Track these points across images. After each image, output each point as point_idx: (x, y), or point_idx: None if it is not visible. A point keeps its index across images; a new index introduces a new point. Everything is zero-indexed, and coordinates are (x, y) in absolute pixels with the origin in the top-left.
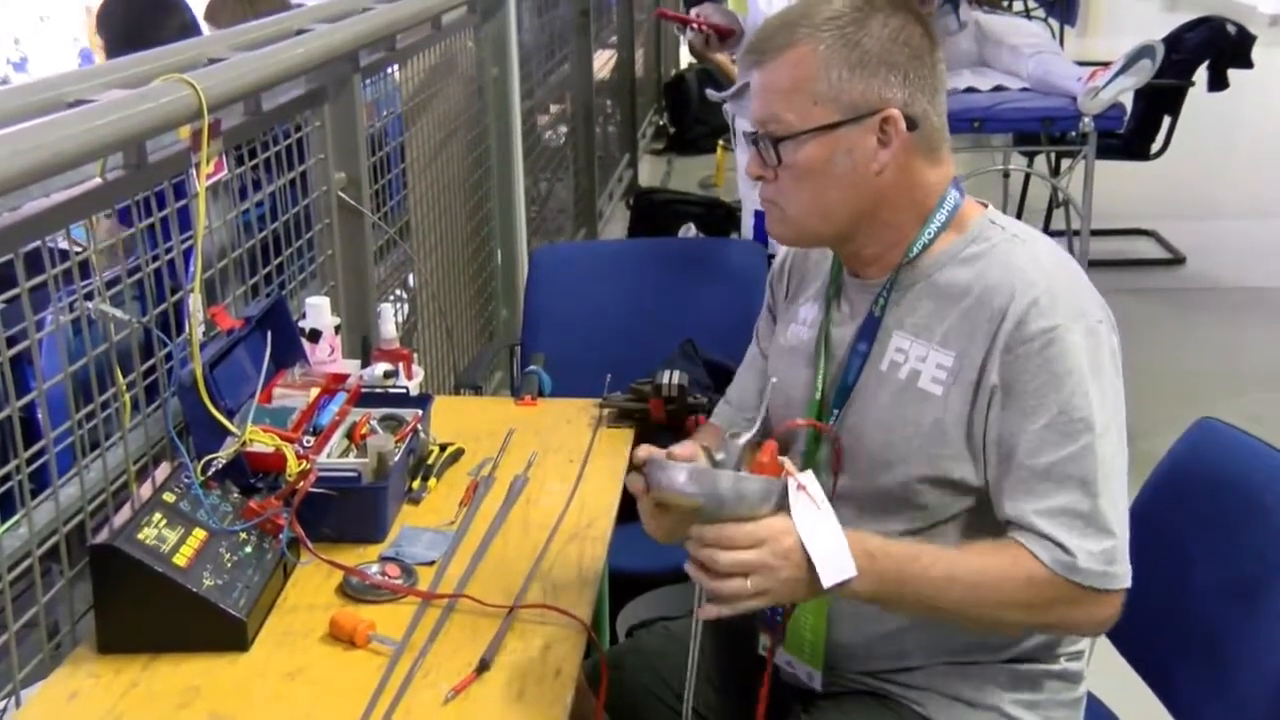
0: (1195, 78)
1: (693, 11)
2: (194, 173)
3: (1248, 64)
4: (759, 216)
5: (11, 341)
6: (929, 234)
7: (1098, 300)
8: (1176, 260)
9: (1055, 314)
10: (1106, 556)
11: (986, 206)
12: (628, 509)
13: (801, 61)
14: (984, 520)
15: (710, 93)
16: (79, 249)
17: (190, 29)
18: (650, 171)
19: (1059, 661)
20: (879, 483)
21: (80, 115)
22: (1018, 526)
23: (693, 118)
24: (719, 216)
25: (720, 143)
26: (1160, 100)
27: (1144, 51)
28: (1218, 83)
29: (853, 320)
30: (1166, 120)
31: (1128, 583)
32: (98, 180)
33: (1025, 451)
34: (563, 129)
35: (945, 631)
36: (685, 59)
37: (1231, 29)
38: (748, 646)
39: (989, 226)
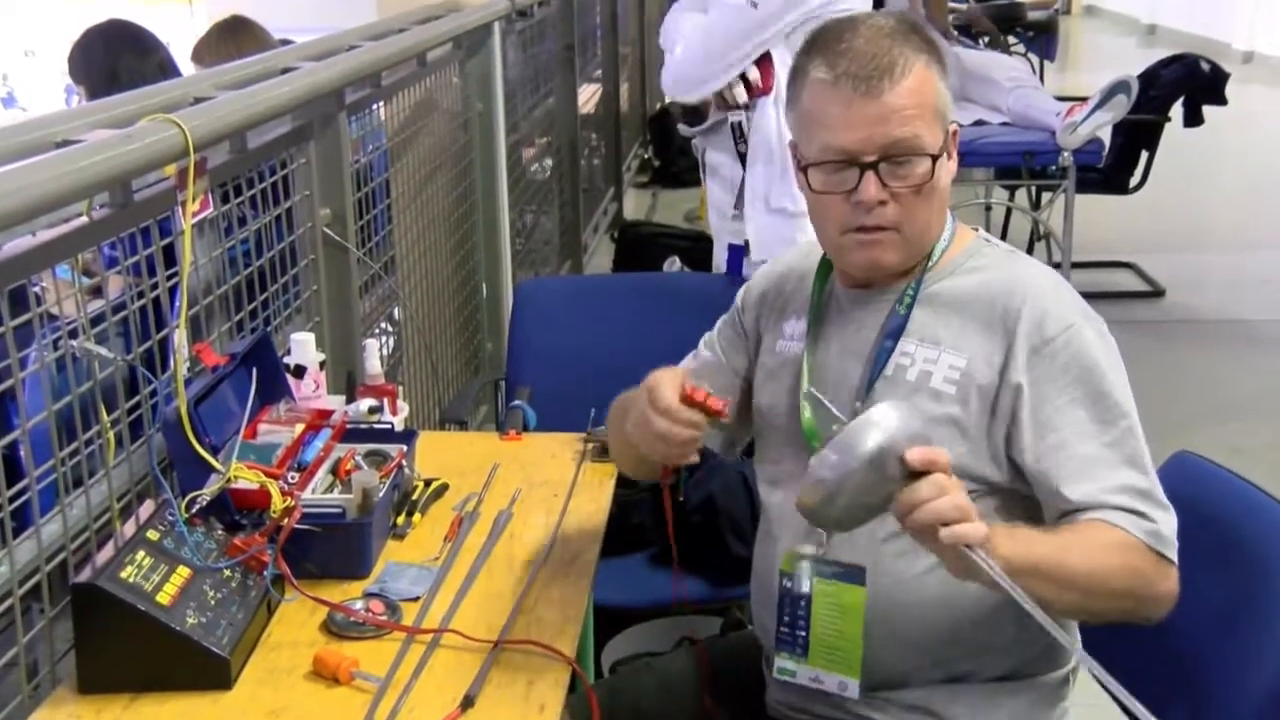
0: (1171, 113)
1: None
2: (180, 210)
3: (1221, 100)
4: (734, 250)
5: None
6: (944, 241)
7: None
8: (1156, 293)
9: (1067, 315)
10: (1173, 529)
11: (977, 230)
12: (612, 544)
13: (926, 80)
14: (1011, 520)
15: (682, 128)
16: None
17: (168, 67)
18: (635, 204)
19: (1047, 675)
20: None
21: (68, 156)
22: (1090, 508)
23: (677, 151)
24: (704, 250)
25: None
26: (1138, 135)
27: (1119, 87)
28: (1193, 118)
29: (854, 326)
30: (1144, 155)
31: None
32: (84, 219)
33: (1073, 441)
34: (548, 162)
35: (962, 631)
36: None
37: (1205, 66)
38: (748, 681)
39: (984, 244)
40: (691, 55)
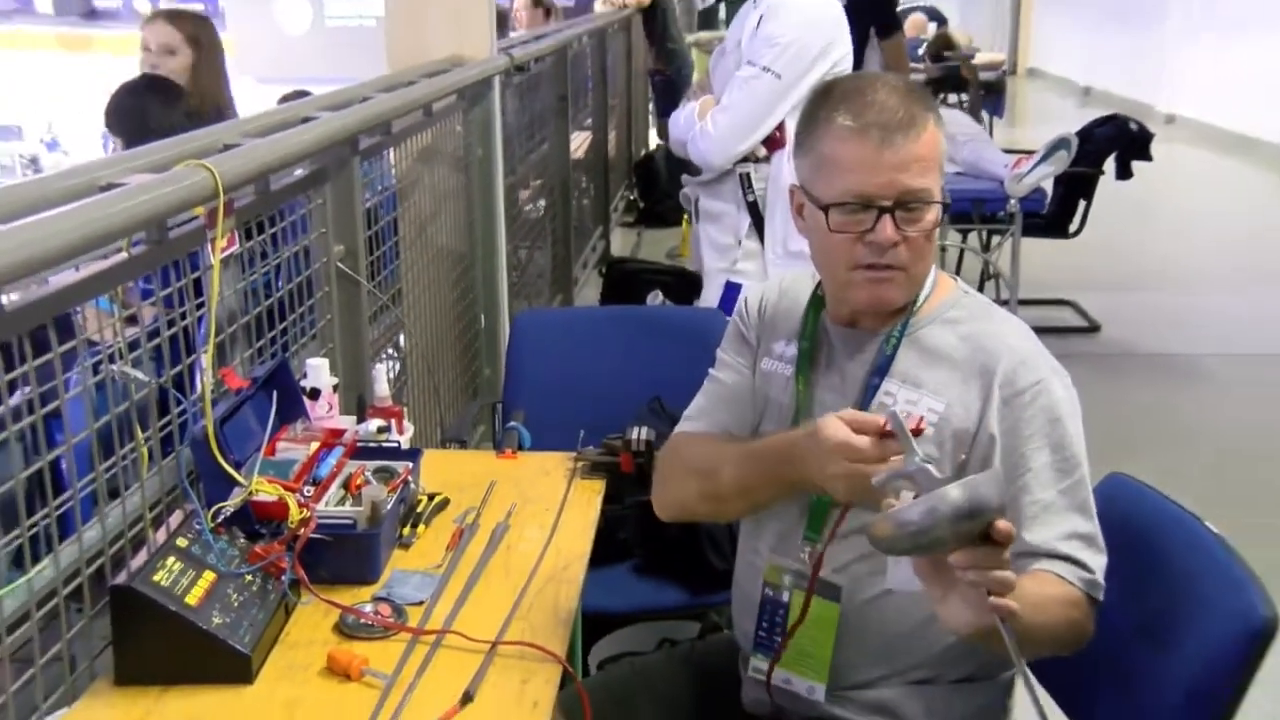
0: (1105, 166)
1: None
2: (209, 247)
3: (1148, 157)
4: (730, 288)
5: (43, 399)
6: (928, 288)
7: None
8: (1093, 328)
9: (1039, 370)
10: (1103, 570)
11: (956, 280)
12: (599, 554)
13: (936, 136)
14: None
15: (686, 178)
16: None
17: (194, 114)
18: (621, 242)
19: (1004, 674)
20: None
21: (112, 199)
22: (1041, 555)
23: (661, 193)
24: (685, 284)
25: (686, 216)
26: (1076, 185)
27: (1060, 144)
28: (1123, 172)
29: (842, 362)
30: (1083, 203)
31: None
32: (123, 255)
33: (1033, 486)
34: (542, 203)
35: (931, 642)
36: (654, 140)
37: (1134, 126)
38: (724, 679)
39: (964, 295)
40: (732, 129)
